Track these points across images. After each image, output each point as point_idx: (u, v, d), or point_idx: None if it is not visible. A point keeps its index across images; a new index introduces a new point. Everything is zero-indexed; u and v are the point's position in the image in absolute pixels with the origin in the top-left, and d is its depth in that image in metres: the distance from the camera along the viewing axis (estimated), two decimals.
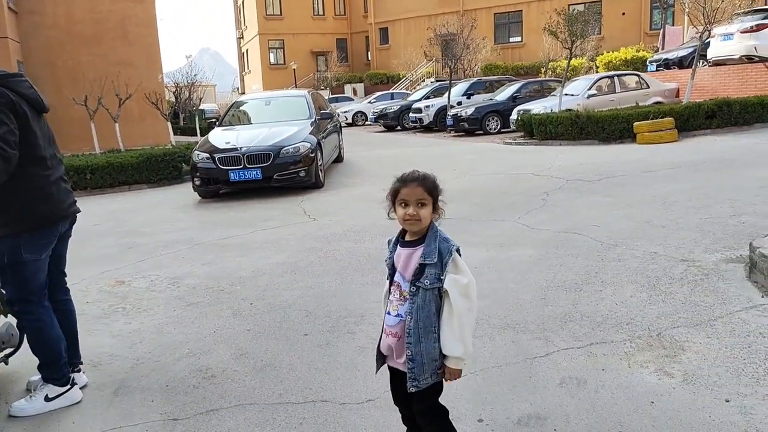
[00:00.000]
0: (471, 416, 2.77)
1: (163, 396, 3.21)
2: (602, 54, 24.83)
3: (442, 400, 2.29)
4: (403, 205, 2.16)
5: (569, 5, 27.20)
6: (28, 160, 2.98)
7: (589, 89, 16.11)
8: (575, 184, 8.39)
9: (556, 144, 13.62)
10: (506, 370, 3.20)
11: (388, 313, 2.23)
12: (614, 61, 23.66)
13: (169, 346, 3.89)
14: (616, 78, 16.82)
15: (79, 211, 3.36)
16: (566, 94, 15.78)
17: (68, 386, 3.19)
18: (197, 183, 9.76)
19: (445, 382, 2.22)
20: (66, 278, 3.46)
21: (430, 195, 2.15)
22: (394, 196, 2.20)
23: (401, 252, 2.21)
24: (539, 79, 22.26)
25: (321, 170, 10.20)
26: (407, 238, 2.22)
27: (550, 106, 15.55)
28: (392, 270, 2.24)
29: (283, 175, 9.45)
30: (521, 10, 33.31)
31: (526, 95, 18.61)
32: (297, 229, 7.06)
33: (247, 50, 47.64)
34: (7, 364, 3.40)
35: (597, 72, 23.19)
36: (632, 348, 3.34)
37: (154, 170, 12.03)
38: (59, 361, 3.17)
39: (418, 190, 2.13)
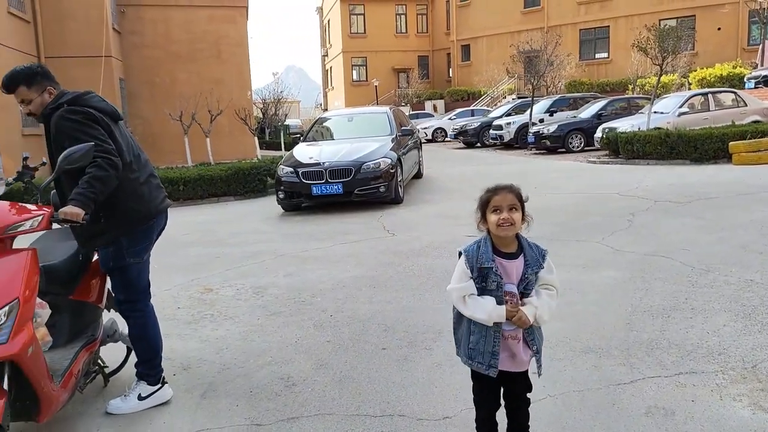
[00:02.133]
0: None
1: (247, 401, 3.34)
2: (695, 70, 23.77)
3: None
4: (496, 211, 2.28)
5: (660, 20, 26.28)
6: (125, 163, 3.17)
7: (681, 107, 15.44)
8: (664, 206, 8.06)
9: (643, 163, 13.13)
10: (588, 396, 3.11)
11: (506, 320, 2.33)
12: (708, 78, 22.60)
13: (253, 353, 4.04)
14: (710, 95, 16.04)
15: (170, 205, 3.54)
16: (655, 112, 15.21)
17: (159, 385, 3.38)
18: (281, 196, 10.08)
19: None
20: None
21: (520, 201, 2.32)
22: (485, 206, 2.32)
23: (505, 263, 2.33)
24: (626, 96, 21.56)
25: (401, 186, 10.31)
26: (504, 250, 2.34)
27: (638, 124, 15.02)
28: (499, 280, 2.31)
29: (364, 190, 9.61)
30: (608, 26, 32.43)
31: (611, 113, 18.08)
32: (376, 244, 7.16)
33: (330, 67, 48.90)
34: (106, 384, 3.64)
35: (689, 89, 22.20)
36: (725, 380, 3.17)
37: (241, 183, 12.54)
38: (156, 359, 3.38)
39: (509, 197, 2.30)
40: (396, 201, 10.02)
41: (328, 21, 48.02)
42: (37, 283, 2.68)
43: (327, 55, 49.92)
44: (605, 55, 32.84)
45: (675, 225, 6.89)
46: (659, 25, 19.80)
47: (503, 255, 2.33)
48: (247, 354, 4.04)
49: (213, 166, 14.08)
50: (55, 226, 2.94)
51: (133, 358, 3.49)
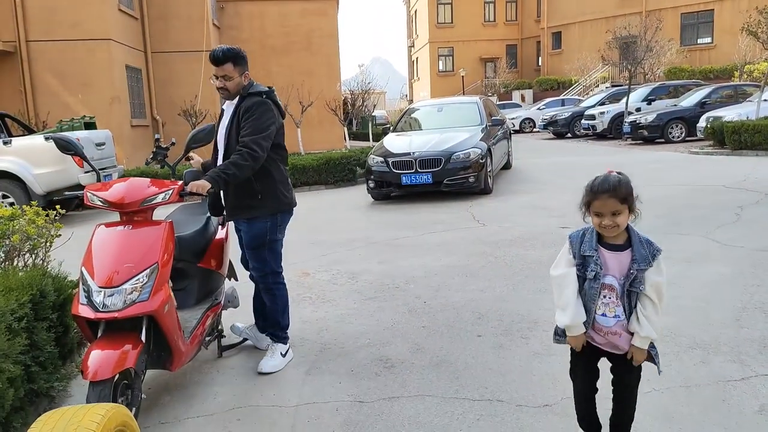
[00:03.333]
0: None
1: (349, 379, 3.48)
2: None
3: None
4: (598, 215, 2.21)
5: None
6: (282, 156, 3.69)
7: None
8: None
9: (752, 154, 12.35)
10: (695, 392, 3.03)
11: (603, 315, 2.29)
12: None
13: (351, 335, 4.19)
14: None
15: None
16: (765, 100, 14.23)
17: (289, 344, 3.82)
18: (371, 185, 10.26)
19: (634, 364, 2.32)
20: None
21: (624, 203, 2.18)
22: (587, 206, 2.25)
23: (608, 255, 2.26)
24: (733, 83, 20.27)
25: (490, 176, 10.23)
26: (610, 241, 2.27)
27: (746, 113, 14.12)
28: (598, 269, 2.25)
29: (453, 180, 9.62)
30: (713, 9, 30.50)
31: (716, 101, 17.07)
32: (466, 234, 7.17)
33: (416, 58, 48.88)
34: (220, 355, 3.97)
35: None
36: None
37: (332, 172, 12.85)
38: (288, 323, 3.85)
39: (610, 202, 2.17)
40: (485, 191, 9.96)
41: (415, 11, 47.97)
42: (173, 251, 3.01)
43: (413, 46, 49.93)
44: (709, 40, 30.93)
45: None
46: None
47: (609, 246, 2.26)
48: (345, 335, 4.19)
49: (304, 155, 14.50)
50: (187, 199, 3.30)
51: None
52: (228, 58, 3.46)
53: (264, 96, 3.57)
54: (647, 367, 2.40)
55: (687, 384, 3.10)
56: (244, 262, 3.93)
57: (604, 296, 2.26)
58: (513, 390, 3.20)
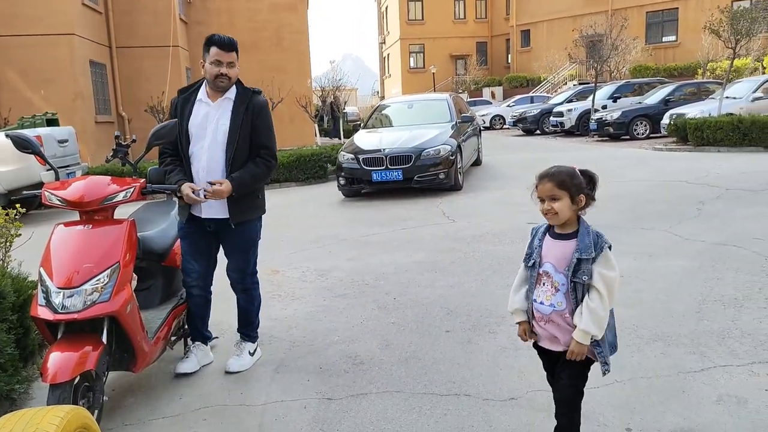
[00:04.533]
0: (618, 425, 2.73)
1: (317, 377, 3.48)
2: None
3: (588, 407, 2.29)
4: (540, 200, 2.30)
5: (733, 1, 25.06)
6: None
7: (755, 92, 14.77)
8: (736, 194, 7.78)
9: (713, 151, 12.66)
10: (656, 383, 3.10)
11: (541, 303, 2.31)
12: None
13: (320, 332, 4.18)
14: None
15: None
16: (727, 97, 14.60)
17: (257, 342, 3.84)
18: (342, 182, 10.24)
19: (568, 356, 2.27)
20: None
21: (563, 188, 2.23)
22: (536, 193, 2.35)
23: (552, 243, 2.31)
24: (696, 81, 20.74)
25: (460, 173, 10.29)
26: (557, 230, 2.31)
27: (708, 110, 14.46)
28: (538, 258, 2.32)
29: (424, 177, 9.66)
30: (677, 8, 31.14)
31: (680, 98, 17.44)
32: (436, 230, 7.21)
33: (388, 55, 48.89)
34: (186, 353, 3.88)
35: (763, 73, 21.14)
36: None
37: (302, 169, 12.79)
38: (259, 321, 3.88)
39: (548, 186, 2.24)
40: (455, 188, 10.02)
41: (386, 8, 47.95)
42: (135, 250, 2.97)
43: (384, 43, 49.92)
44: (673, 38, 31.58)
45: (748, 214, 6.65)
46: (732, 6, 18.88)
47: (556, 236, 2.31)
48: (315, 333, 4.18)
49: None
50: (151, 198, 3.23)
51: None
52: (235, 45, 3.44)
53: (261, 95, 3.60)
54: (610, 359, 2.40)
55: (647, 375, 3.17)
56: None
57: (543, 284, 2.29)
58: (480, 384, 3.23)
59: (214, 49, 3.37)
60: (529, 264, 2.35)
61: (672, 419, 2.74)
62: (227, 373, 3.58)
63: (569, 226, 2.28)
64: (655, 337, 3.65)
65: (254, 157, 3.48)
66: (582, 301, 2.21)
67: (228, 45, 3.39)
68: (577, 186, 2.23)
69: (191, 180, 3.39)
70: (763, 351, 3.35)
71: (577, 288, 2.22)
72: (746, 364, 3.21)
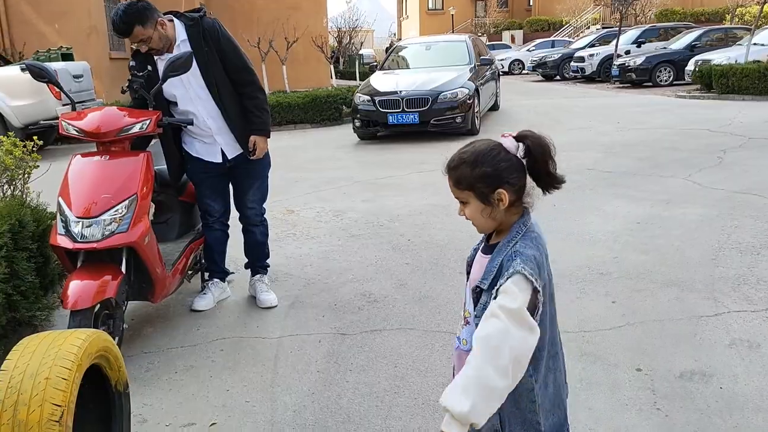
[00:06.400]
0: (629, 365, 2.76)
1: (332, 313, 3.53)
2: None
3: (599, 347, 2.25)
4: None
5: None
6: None
7: None
8: (759, 143, 7.62)
9: (738, 99, 12.33)
10: (668, 326, 3.11)
11: (457, 336, 1.67)
12: None
13: (335, 271, 4.22)
14: None
15: None
16: (755, 44, 14.10)
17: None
18: (357, 124, 10.14)
19: None
20: None
21: (463, 187, 1.50)
22: None
23: (478, 258, 1.60)
24: (723, 26, 20.03)
25: (477, 117, 10.14)
26: (491, 240, 1.57)
27: (735, 56, 14.00)
28: (466, 277, 1.67)
29: (440, 120, 9.52)
30: None
31: (706, 44, 16.89)
32: None
33: None
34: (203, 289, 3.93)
35: None
36: None
37: (318, 111, 12.65)
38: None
39: (450, 184, 1.55)
40: (472, 132, 9.87)
41: None
42: (152, 182, 2.97)
43: None
44: None
45: None
46: None
47: (485, 248, 1.58)
48: (329, 271, 4.22)
49: (290, 93, 14.24)
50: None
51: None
52: (131, 23, 3.02)
53: (214, 22, 3.30)
54: (622, 303, 2.37)
55: (660, 318, 3.18)
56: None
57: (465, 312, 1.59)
58: None
59: None
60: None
61: (683, 361, 2.76)
62: (266, 308, 3.62)
63: (503, 233, 1.52)
64: (670, 282, 3.64)
65: (239, 90, 3.35)
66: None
67: (120, 32, 3.07)
68: (488, 178, 1.45)
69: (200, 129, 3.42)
70: None
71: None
72: (761, 310, 3.21)
